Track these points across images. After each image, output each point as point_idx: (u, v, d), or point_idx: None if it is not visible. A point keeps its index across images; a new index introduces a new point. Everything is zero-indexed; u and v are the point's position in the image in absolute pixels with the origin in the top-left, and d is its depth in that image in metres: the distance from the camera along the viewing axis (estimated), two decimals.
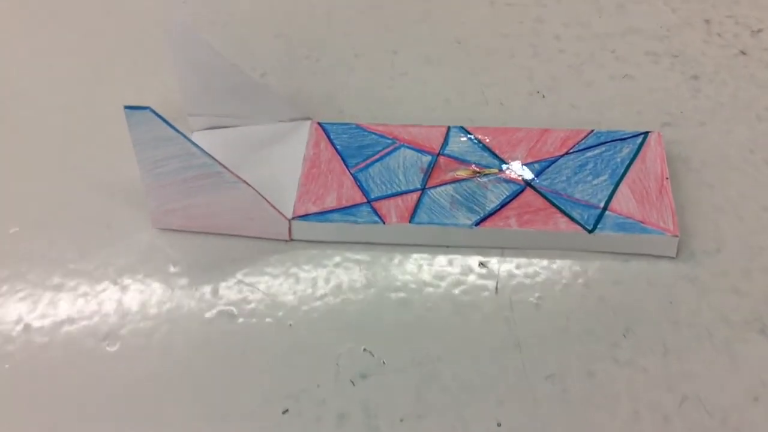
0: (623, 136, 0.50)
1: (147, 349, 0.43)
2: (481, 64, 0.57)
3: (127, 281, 0.46)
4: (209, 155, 0.44)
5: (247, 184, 0.45)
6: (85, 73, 0.58)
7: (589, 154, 0.49)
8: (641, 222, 0.45)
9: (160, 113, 0.54)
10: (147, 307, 0.45)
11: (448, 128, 0.51)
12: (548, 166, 0.49)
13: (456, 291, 0.45)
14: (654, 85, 0.55)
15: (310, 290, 0.45)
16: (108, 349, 0.43)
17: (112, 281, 0.46)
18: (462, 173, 0.48)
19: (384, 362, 0.42)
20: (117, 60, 0.58)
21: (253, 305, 0.45)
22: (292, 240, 0.47)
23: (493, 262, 0.46)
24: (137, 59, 0.58)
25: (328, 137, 0.51)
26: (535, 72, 0.56)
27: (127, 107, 0.43)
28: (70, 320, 0.45)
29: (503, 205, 0.47)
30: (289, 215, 0.47)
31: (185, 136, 0.43)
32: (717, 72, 0.56)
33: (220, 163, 0.44)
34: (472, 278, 0.45)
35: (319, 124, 0.51)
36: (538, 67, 0.57)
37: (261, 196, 0.45)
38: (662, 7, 0.60)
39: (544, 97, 0.55)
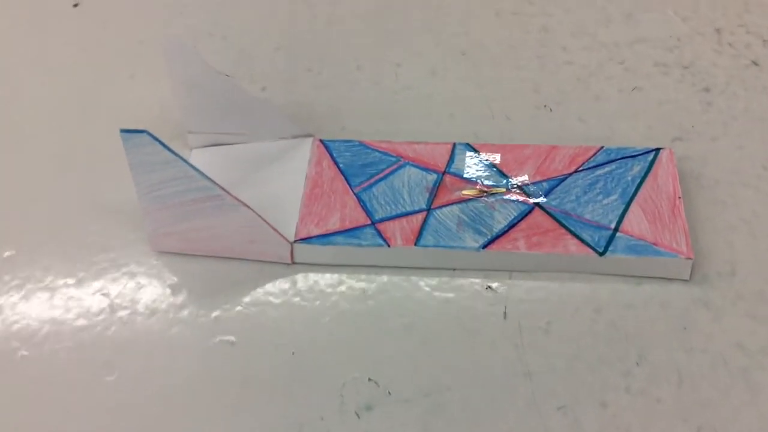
0: (634, 153, 0.48)
1: (145, 378, 0.42)
2: (486, 77, 0.56)
3: (124, 308, 0.45)
4: (208, 178, 0.43)
5: (248, 207, 0.44)
6: (80, 88, 0.56)
7: (599, 172, 0.48)
8: (654, 244, 0.44)
9: (158, 128, 0.52)
10: (145, 335, 0.44)
11: (454, 145, 0.50)
12: (557, 185, 0.47)
13: (463, 316, 0.44)
14: (664, 98, 0.54)
15: (312, 316, 0.44)
16: (106, 378, 0.42)
17: (109, 308, 0.45)
18: (468, 192, 0.47)
19: (389, 392, 0.41)
20: (113, 74, 0.57)
21: (253, 332, 0.43)
22: (294, 263, 0.46)
23: (501, 286, 0.45)
24: (134, 73, 0.57)
25: (331, 155, 0.49)
26: (542, 84, 0.55)
27: (123, 131, 0.41)
28: (67, 349, 0.43)
29: (511, 226, 0.45)
30: (291, 238, 0.45)
31: (183, 159, 0.42)
32: (728, 84, 0.54)
33: (220, 186, 0.43)
34: (479, 303, 0.44)
35: (321, 141, 0.50)
36: (545, 80, 0.55)
37: (262, 219, 0.44)
38: (672, 16, 0.59)
39: (551, 110, 0.53)
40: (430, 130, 0.53)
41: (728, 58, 0.56)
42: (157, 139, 0.41)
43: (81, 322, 0.44)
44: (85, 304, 0.45)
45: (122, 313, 0.44)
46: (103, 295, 0.45)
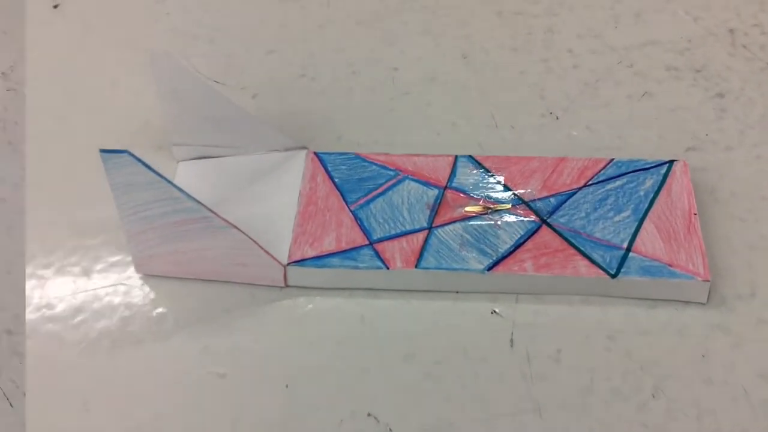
0: (646, 166, 0.46)
1: (128, 414, 0.39)
2: (489, 82, 0.53)
3: (107, 336, 0.42)
4: (195, 199, 0.40)
5: (238, 228, 0.41)
6: (59, 95, 0.53)
7: (610, 186, 0.45)
8: (669, 265, 0.42)
9: (142, 138, 0.50)
10: (129, 366, 0.41)
11: (456, 158, 0.47)
12: (565, 201, 0.45)
13: (467, 344, 0.41)
14: (676, 104, 0.51)
15: (307, 345, 0.41)
16: (85, 413, 0.39)
17: (91, 338, 0.42)
18: (471, 209, 0.44)
19: (390, 429, 0.38)
20: (95, 81, 0.54)
21: (244, 363, 0.41)
22: (287, 287, 0.43)
23: (507, 311, 0.42)
24: (117, 79, 0.54)
25: (326, 169, 0.47)
26: (548, 90, 0.52)
27: (102, 151, 0.38)
28: (49, 383, 0.41)
29: (517, 246, 0.43)
30: (284, 260, 0.43)
31: (168, 180, 0.39)
32: (743, 89, 0.52)
33: (207, 207, 0.40)
34: (484, 329, 0.42)
35: (315, 154, 0.47)
36: (551, 85, 0.53)
37: (253, 241, 0.41)
38: (683, 16, 0.56)
39: (557, 118, 0.51)
40: (431, 139, 0.50)
41: (742, 60, 0.53)
42: (139, 160, 0.38)
43: (60, 351, 0.42)
44: (65, 335, 0.42)
45: (104, 343, 0.42)
46: (85, 324, 0.42)
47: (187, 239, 0.42)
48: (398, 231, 0.44)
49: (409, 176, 0.46)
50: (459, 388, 0.40)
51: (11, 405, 0.40)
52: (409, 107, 0.52)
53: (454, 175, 0.46)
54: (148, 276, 0.44)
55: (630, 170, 0.46)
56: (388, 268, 0.42)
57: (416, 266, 0.42)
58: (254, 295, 0.43)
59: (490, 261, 0.42)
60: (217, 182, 0.47)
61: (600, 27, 0.56)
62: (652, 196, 0.44)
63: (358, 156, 0.47)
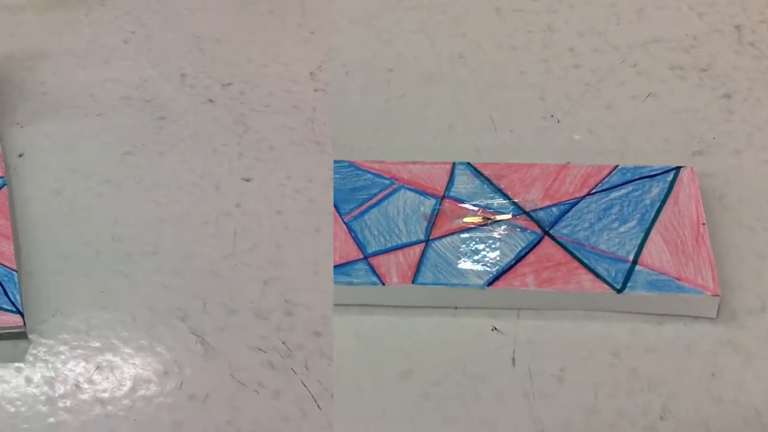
0: (651, 173, 0.44)
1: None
2: (487, 83, 0.51)
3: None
4: None
5: None
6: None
7: (614, 195, 0.43)
8: (676, 279, 0.40)
9: None
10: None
11: (453, 165, 0.45)
12: (568, 210, 0.43)
13: (466, 362, 0.39)
14: (681, 106, 0.49)
15: None
16: None
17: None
18: (470, 220, 0.43)
19: None
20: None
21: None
22: None
23: (509, 327, 0.40)
24: None
25: None
26: (548, 91, 0.51)
27: None
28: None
29: (518, 259, 0.41)
30: None
31: None
32: (751, 89, 0.50)
33: None
34: (484, 346, 0.40)
35: None
36: (551, 86, 0.51)
37: None
38: (687, 12, 0.54)
39: (558, 121, 0.49)
40: (428, 143, 0.49)
41: (750, 59, 0.51)
42: None
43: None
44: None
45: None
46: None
47: None
48: (394, 244, 0.42)
49: (405, 185, 0.44)
50: (458, 407, 0.38)
51: (319, 407, 0.38)
52: (404, 110, 0.50)
53: (452, 184, 0.44)
54: None
55: (635, 177, 0.44)
56: (383, 284, 0.41)
57: (413, 282, 0.41)
58: None
59: (490, 276, 0.41)
60: None
61: (602, 24, 0.54)
62: (658, 205, 0.43)
63: (351, 164, 0.45)
